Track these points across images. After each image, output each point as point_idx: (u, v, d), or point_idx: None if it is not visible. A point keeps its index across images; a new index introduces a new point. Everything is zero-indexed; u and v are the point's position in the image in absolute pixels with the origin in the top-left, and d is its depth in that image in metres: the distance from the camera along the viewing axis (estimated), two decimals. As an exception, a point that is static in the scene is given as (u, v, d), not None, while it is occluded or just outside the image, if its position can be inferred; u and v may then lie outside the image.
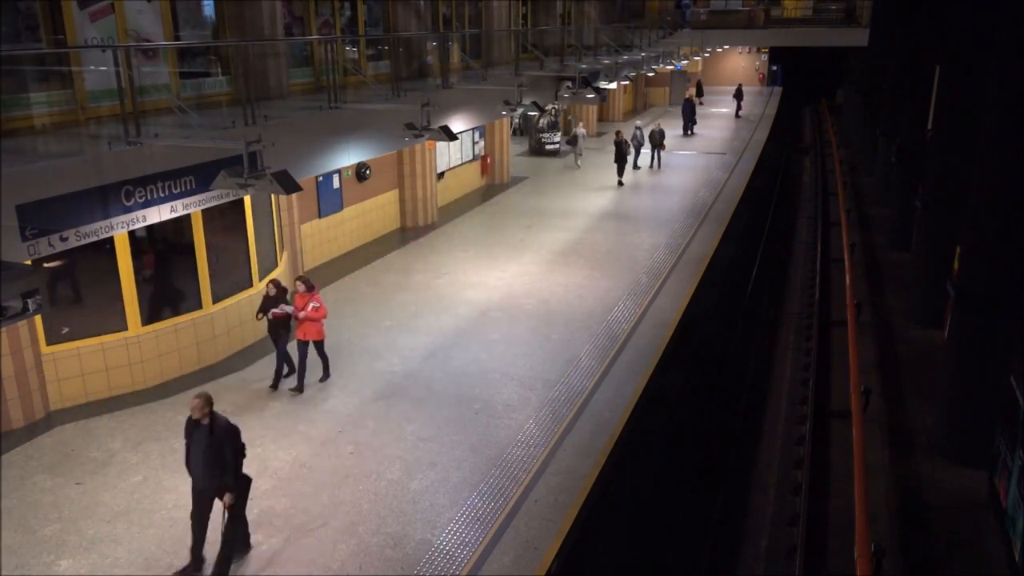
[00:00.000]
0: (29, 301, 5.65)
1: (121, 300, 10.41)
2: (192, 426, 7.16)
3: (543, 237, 18.10)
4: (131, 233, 10.06)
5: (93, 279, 10.37)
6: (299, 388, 10.71)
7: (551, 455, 9.23)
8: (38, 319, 9.74)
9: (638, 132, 26.02)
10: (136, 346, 10.58)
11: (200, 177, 8.95)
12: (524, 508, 8.26)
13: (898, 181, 17.78)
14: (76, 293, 10.37)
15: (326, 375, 11.02)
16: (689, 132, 32.97)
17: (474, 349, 12.07)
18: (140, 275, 10.54)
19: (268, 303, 10.59)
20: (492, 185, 23.88)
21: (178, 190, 8.81)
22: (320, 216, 16.08)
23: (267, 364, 11.52)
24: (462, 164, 22.35)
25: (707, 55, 43.12)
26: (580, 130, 26.47)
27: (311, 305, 10.52)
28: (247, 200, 11.84)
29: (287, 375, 10.96)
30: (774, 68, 52.10)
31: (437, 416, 10.07)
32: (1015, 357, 8.50)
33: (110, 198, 7.98)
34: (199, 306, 11.34)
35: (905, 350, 12.72)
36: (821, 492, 9.11)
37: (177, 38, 11.50)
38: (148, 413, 10.14)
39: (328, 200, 16.24)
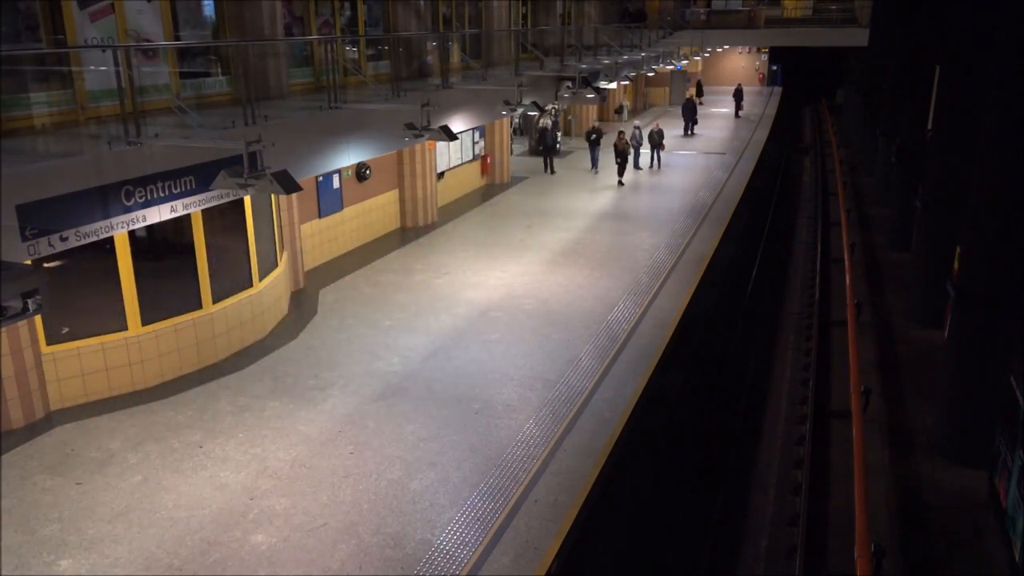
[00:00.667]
0: (29, 301, 5.65)
1: (121, 300, 10.41)
2: None
3: (543, 237, 18.10)
4: (131, 233, 10.06)
5: (93, 279, 10.37)
6: None
7: (551, 455, 9.23)
8: (38, 319, 9.75)
9: (637, 132, 26.03)
10: (136, 346, 10.58)
11: (200, 177, 8.95)
12: (524, 508, 8.26)
13: (898, 181, 17.78)
14: (76, 293, 10.37)
15: None
16: (690, 132, 32.98)
17: (474, 349, 12.07)
18: (140, 275, 10.53)
19: None
20: (492, 185, 23.88)
21: (178, 190, 8.81)
22: (320, 216, 16.08)
23: (267, 364, 11.53)
24: (462, 164, 22.35)
25: (707, 55, 43.13)
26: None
27: None
28: (247, 200, 11.84)
29: None
30: (774, 68, 52.12)
31: (437, 416, 10.07)
32: (1015, 357, 8.50)
33: (110, 198, 7.98)
34: (199, 306, 11.34)
35: (905, 350, 12.73)
36: (821, 492, 9.11)
37: (177, 38, 11.50)
38: (148, 413, 10.14)
39: (328, 200, 16.23)
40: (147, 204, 8.44)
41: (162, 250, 11.23)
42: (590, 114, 32.65)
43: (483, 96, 16.11)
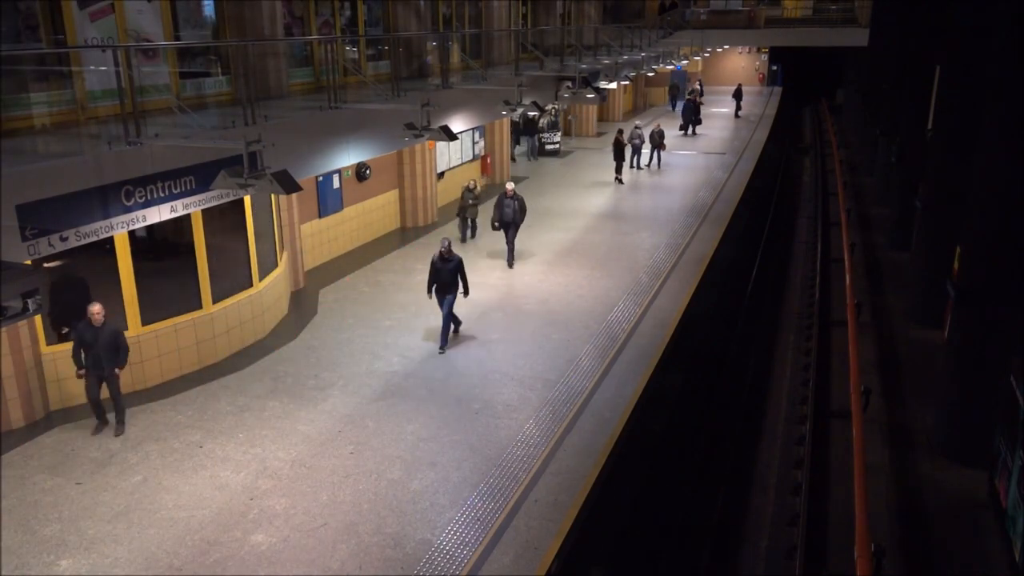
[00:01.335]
0: (29, 301, 5.65)
1: (121, 300, 10.40)
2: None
3: (543, 237, 18.10)
4: (131, 233, 10.06)
5: (93, 279, 10.36)
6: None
7: (551, 455, 9.23)
8: (38, 319, 9.74)
9: (637, 132, 26.02)
10: (136, 346, 10.56)
11: (200, 177, 8.95)
12: (524, 508, 8.26)
13: (898, 181, 17.79)
14: (76, 293, 10.36)
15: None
16: (692, 132, 32.93)
17: (474, 349, 12.07)
18: (140, 275, 10.53)
19: None
20: (493, 185, 23.85)
21: (178, 190, 8.81)
22: (320, 216, 16.08)
23: (267, 364, 11.53)
24: (462, 164, 22.35)
25: (707, 55, 43.12)
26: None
27: None
28: (247, 200, 11.84)
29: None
30: (774, 68, 52.10)
31: (437, 416, 10.07)
32: (1015, 357, 8.50)
33: (110, 198, 7.98)
34: (199, 306, 11.34)
35: (905, 350, 12.73)
36: (821, 492, 9.11)
37: (177, 38, 11.50)
38: (148, 413, 10.14)
39: (328, 200, 16.23)
40: (147, 204, 8.45)
41: (162, 250, 11.22)
42: (591, 115, 32.66)
43: (483, 96, 16.11)
